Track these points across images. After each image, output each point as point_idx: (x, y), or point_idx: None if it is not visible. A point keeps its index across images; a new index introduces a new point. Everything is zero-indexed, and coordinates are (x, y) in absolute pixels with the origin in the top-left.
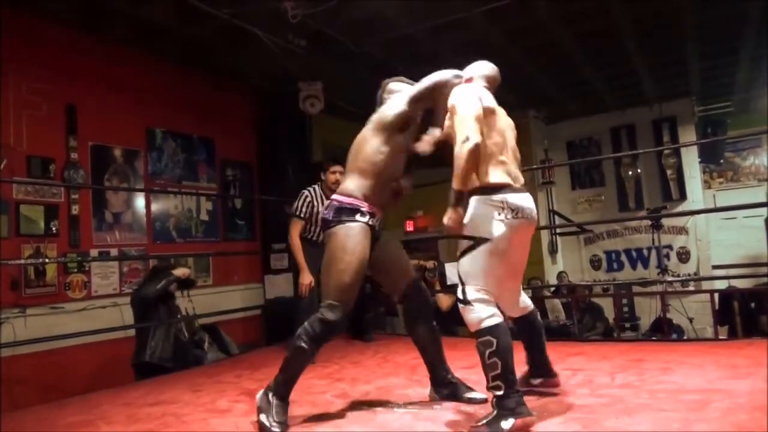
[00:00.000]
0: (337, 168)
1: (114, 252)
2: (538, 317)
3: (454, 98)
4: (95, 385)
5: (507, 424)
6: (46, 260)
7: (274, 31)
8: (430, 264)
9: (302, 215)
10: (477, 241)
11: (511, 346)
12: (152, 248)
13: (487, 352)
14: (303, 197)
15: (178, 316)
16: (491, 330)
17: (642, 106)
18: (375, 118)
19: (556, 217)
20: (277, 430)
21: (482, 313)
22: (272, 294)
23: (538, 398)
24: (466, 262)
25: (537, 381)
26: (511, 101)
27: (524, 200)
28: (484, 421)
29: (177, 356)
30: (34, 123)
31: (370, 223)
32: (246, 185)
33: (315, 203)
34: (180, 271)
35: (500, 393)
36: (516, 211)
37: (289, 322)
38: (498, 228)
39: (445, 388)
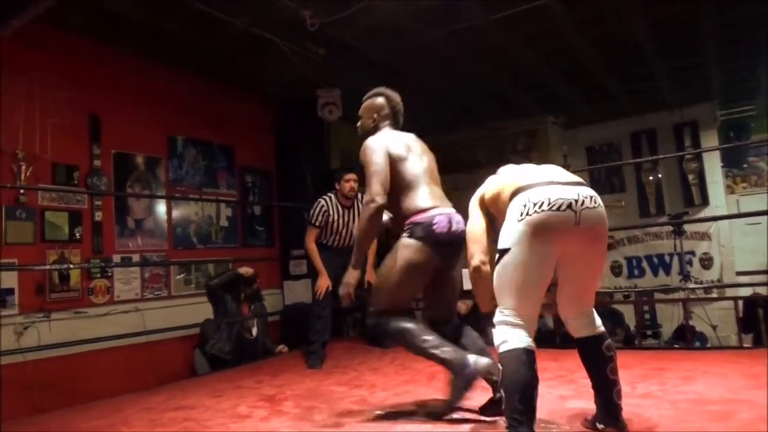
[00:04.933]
0: (351, 176)
1: (136, 258)
2: (608, 345)
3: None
4: (118, 389)
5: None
6: (71, 266)
7: (292, 39)
8: None
9: (318, 224)
10: (501, 253)
11: (520, 376)
12: (173, 254)
13: (499, 381)
14: (319, 206)
15: (251, 315)
16: (501, 356)
17: (662, 111)
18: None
19: None
20: None
21: (498, 338)
22: (291, 300)
23: (560, 408)
24: (495, 278)
25: (601, 427)
26: (528, 107)
27: (553, 191)
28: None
29: (238, 352)
30: (59, 131)
31: None
32: (265, 192)
33: (330, 212)
34: (243, 269)
35: (506, 428)
36: (540, 203)
37: (307, 327)
38: (516, 232)
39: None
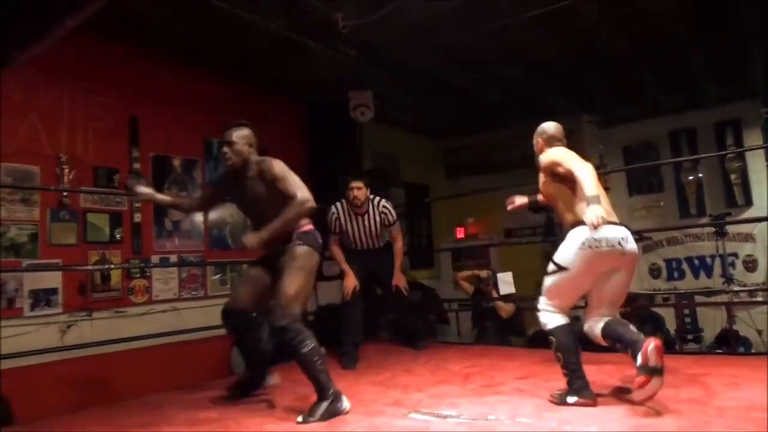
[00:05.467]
0: (356, 184)
1: (173, 258)
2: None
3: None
4: (157, 387)
5: (571, 399)
6: (111, 266)
7: (325, 41)
8: (484, 273)
9: (333, 230)
10: (558, 268)
11: (571, 343)
12: (209, 255)
13: (553, 348)
14: (330, 214)
15: None
16: (552, 331)
17: (703, 109)
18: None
19: None
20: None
21: (546, 318)
22: (324, 300)
23: (598, 412)
24: (548, 280)
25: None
26: (563, 106)
27: (609, 232)
28: (557, 394)
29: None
30: (100, 135)
31: None
32: None
33: (342, 218)
34: None
35: (567, 378)
36: (599, 241)
37: (338, 328)
38: (576, 257)
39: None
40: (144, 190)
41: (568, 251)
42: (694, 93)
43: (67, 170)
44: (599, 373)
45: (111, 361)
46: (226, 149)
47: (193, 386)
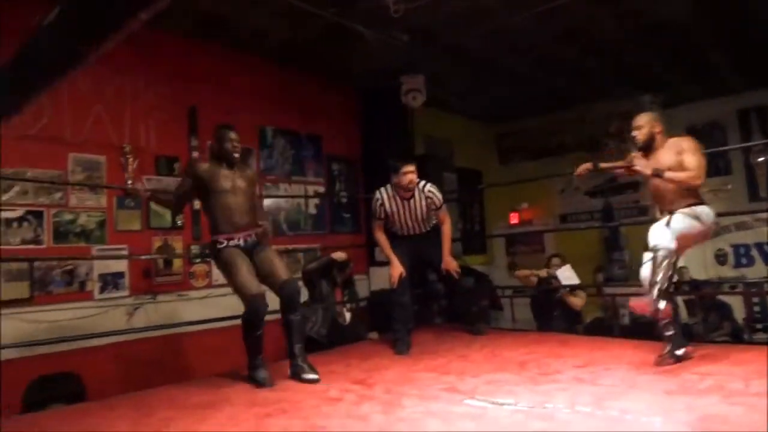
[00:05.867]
0: (409, 168)
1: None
2: None
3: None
4: (217, 368)
5: (680, 351)
6: (174, 253)
7: (377, 27)
8: (543, 273)
9: (378, 216)
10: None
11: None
12: None
13: (655, 261)
14: (375, 201)
15: (344, 300)
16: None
17: None
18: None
19: None
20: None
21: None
22: (377, 285)
23: (663, 402)
24: (681, 224)
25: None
26: (621, 87)
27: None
28: (667, 352)
29: (332, 336)
30: (161, 125)
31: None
32: (351, 179)
33: (387, 204)
34: (336, 254)
35: (670, 334)
36: (713, 216)
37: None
38: (707, 217)
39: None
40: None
41: (707, 214)
42: (764, 69)
43: (131, 159)
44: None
45: (175, 342)
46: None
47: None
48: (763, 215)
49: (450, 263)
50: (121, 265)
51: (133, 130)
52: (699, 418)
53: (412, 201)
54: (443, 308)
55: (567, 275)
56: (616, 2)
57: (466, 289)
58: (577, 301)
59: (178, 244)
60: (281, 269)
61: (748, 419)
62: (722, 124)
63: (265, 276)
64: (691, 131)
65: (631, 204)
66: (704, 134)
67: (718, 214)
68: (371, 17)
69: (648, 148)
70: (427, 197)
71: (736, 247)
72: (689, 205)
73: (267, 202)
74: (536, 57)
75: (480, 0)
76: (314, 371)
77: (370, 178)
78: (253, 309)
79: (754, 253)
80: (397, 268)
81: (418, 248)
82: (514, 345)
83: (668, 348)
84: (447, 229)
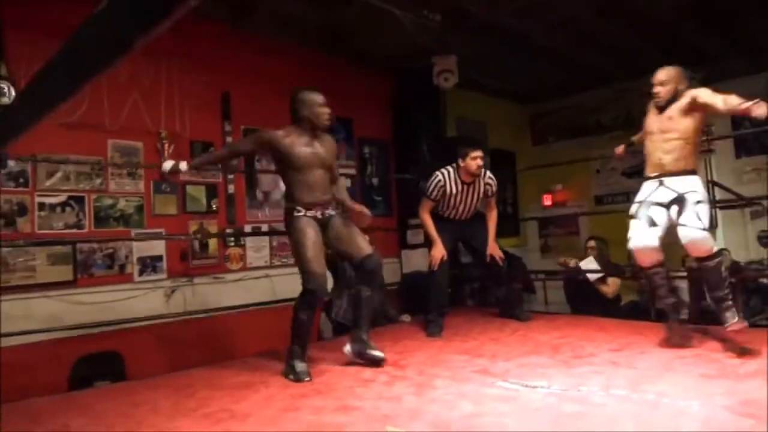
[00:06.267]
0: (479, 153)
1: (264, 228)
2: None
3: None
4: (253, 349)
5: (735, 317)
6: (210, 235)
7: (409, 8)
8: (572, 262)
9: (433, 197)
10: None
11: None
12: None
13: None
14: (436, 181)
15: None
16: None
17: None
18: None
19: (716, 188)
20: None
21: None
22: (409, 268)
23: (701, 386)
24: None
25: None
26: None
27: None
28: (733, 322)
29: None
30: (195, 111)
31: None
32: (382, 162)
33: (448, 187)
34: None
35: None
36: None
37: (425, 296)
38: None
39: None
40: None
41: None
42: None
43: (167, 145)
44: (704, 348)
45: (212, 324)
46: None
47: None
48: None
49: (496, 249)
50: (159, 249)
51: (168, 117)
52: (740, 402)
53: (472, 186)
54: (475, 291)
55: (590, 267)
56: None
57: (510, 277)
58: (607, 288)
59: (213, 227)
60: (363, 242)
61: None
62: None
63: (344, 249)
64: None
65: None
66: None
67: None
68: None
69: (667, 106)
70: (486, 183)
71: None
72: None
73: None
74: (572, 33)
75: None
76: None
77: (402, 161)
78: (312, 288)
79: None
80: (440, 250)
81: (462, 231)
82: (547, 328)
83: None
84: (494, 216)
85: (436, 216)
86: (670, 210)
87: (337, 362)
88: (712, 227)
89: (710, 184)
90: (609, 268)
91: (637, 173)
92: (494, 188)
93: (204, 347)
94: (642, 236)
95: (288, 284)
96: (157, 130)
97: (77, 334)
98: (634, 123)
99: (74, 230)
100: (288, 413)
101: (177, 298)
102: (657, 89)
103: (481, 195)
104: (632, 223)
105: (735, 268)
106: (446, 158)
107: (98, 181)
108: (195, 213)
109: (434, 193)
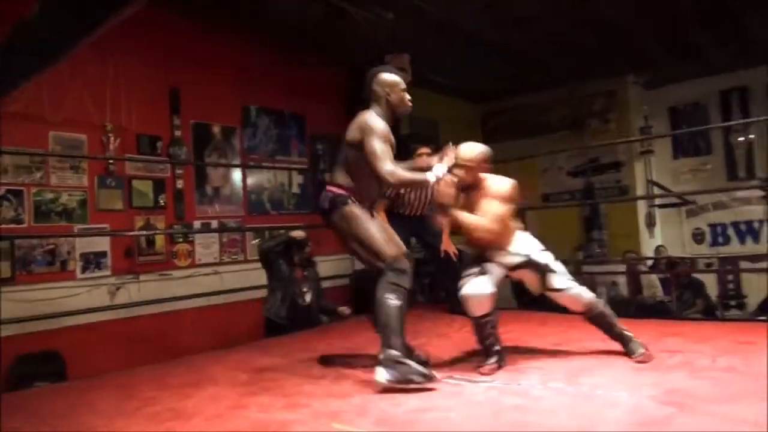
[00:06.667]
0: (424, 150)
1: (214, 224)
2: None
3: None
4: (200, 347)
5: (641, 348)
6: (156, 231)
7: (362, 4)
8: None
9: (386, 194)
10: None
11: None
12: (248, 220)
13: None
14: None
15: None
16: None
17: (756, 67)
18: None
19: (655, 187)
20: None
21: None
22: (360, 265)
23: (632, 378)
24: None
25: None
26: (608, 66)
27: None
28: (641, 352)
29: (293, 317)
30: (143, 104)
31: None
32: (335, 158)
33: None
34: (295, 233)
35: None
36: None
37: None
38: None
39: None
40: None
41: None
42: (747, 50)
43: (112, 138)
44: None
45: (158, 321)
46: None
47: (234, 347)
48: (741, 194)
49: (450, 245)
50: (104, 245)
51: (114, 110)
52: (665, 391)
53: None
54: (426, 287)
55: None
56: None
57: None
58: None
59: (161, 224)
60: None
61: (711, 392)
62: (704, 104)
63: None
64: (673, 111)
65: (613, 183)
66: (687, 114)
67: (696, 193)
68: None
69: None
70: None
71: (713, 227)
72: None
73: (249, 180)
74: (524, 34)
75: None
76: None
77: None
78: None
79: (731, 232)
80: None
81: (416, 227)
82: None
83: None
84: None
85: (389, 213)
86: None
87: (285, 359)
88: (651, 225)
89: (650, 184)
90: None
91: (582, 173)
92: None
93: (150, 345)
94: (475, 283)
95: (238, 280)
96: (102, 123)
97: (14, 333)
98: (583, 124)
99: (12, 225)
100: (235, 411)
101: (122, 296)
102: (457, 172)
103: (433, 188)
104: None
105: (670, 262)
106: (399, 155)
107: (38, 174)
108: (142, 208)
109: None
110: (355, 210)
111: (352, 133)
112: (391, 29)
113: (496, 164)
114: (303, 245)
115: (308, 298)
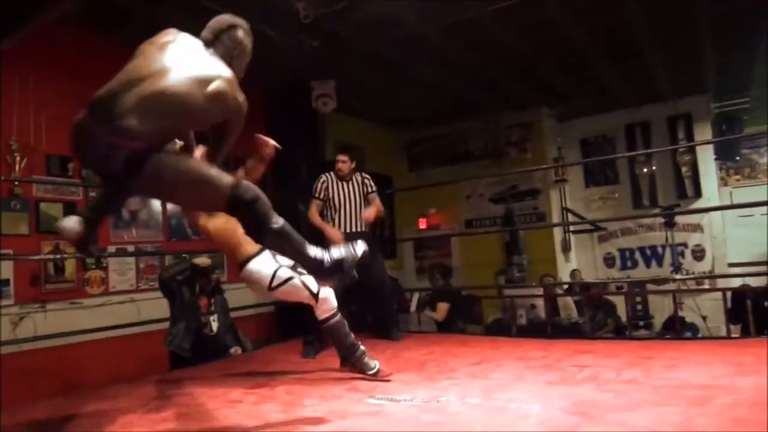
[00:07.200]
0: (341, 157)
1: (131, 249)
2: None
3: None
4: (113, 378)
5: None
6: (65, 256)
7: (286, 31)
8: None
9: (320, 196)
10: None
11: None
12: (167, 245)
13: None
14: (320, 181)
15: (210, 309)
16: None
17: (657, 103)
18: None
19: (569, 214)
20: None
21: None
22: None
23: (544, 392)
24: None
25: None
26: (523, 99)
27: None
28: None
29: (197, 348)
30: (54, 123)
31: None
32: (259, 182)
33: (329, 184)
34: (199, 260)
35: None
36: None
37: (302, 318)
38: None
39: None
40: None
41: None
42: (649, 87)
43: (18, 158)
44: (551, 359)
45: (67, 353)
46: None
47: (149, 377)
48: (646, 221)
49: (371, 212)
50: (6, 272)
51: (22, 127)
52: (573, 403)
53: (350, 183)
54: (353, 313)
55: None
56: (518, 18)
57: (386, 298)
58: (436, 315)
59: (70, 249)
60: None
61: (615, 403)
62: (611, 136)
63: None
64: (584, 143)
65: (531, 210)
66: (596, 146)
67: (607, 220)
68: (281, 21)
69: None
70: (364, 179)
71: (622, 251)
72: None
73: (169, 205)
74: (444, 65)
75: (389, 9)
76: None
77: (280, 181)
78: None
79: (638, 256)
80: (336, 233)
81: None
82: (417, 346)
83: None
84: (378, 203)
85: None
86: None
87: (203, 386)
88: (566, 250)
89: (564, 211)
90: (438, 295)
91: (502, 199)
92: (371, 185)
93: (59, 378)
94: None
95: (155, 308)
96: (7, 142)
97: None
98: (502, 153)
99: None
100: None
101: (26, 326)
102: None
103: (362, 191)
104: None
105: (584, 285)
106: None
107: None
108: (50, 233)
109: (319, 191)
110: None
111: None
112: (316, 56)
113: (422, 189)
114: (207, 272)
115: (215, 327)
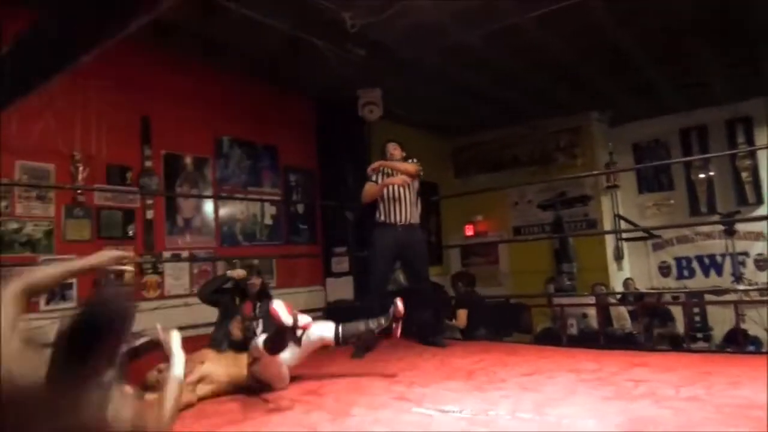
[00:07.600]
0: (392, 144)
1: (185, 254)
2: None
3: None
4: None
5: None
6: (126, 262)
7: (333, 41)
8: None
9: (373, 178)
10: None
11: None
12: (220, 251)
13: None
14: (374, 165)
15: (255, 314)
16: None
17: (713, 106)
18: None
19: (622, 222)
20: None
21: None
22: (333, 296)
23: (599, 407)
24: None
25: None
26: (571, 103)
27: None
28: None
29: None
30: (113, 134)
31: None
32: (308, 190)
33: (383, 171)
34: (235, 273)
35: None
36: None
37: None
38: None
39: None
40: None
41: None
42: (705, 91)
43: (81, 168)
44: (606, 372)
45: None
46: None
47: None
48: (704, 229)
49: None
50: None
51: (83, 138)
52: (630, 420)
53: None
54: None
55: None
56: (564, 22)
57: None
58: (457, 322)
59: (130, 254)
60: None
61: (674, 421)
62: (665, 141)
63: None
64: (637, 148)
65: (581, 217)
66: (649, 150)
67: (662, 228)
68: (328, 31)
69: None
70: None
71: (678, 260)
72: None
73: (222, 211)
74: (490, 72)
75: (434, 17)
76: None
77: (327, 189)
78: None
79: (695, 265)
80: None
81: (402, 248)
82: (464, 354)
83: None
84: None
85: (378, 225)
86: None
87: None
88: (619, 258)
89: (616, 218)
90: (458, 302)
91: (551, 206)
92: (418, 165)
93: None
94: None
95: (209, 312)
96: (71, 153)
97: None
98: (550, 159)
99: None
100: None
101: None
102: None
103: (414, 186)
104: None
105: (638, 295)
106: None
107: (3, 203)
108: (110, 238)
109: (373, 175)
110: None
111: None
112: (363, 65)
113: (468, 196)
114: (245, 283)
115: (258, 331)
